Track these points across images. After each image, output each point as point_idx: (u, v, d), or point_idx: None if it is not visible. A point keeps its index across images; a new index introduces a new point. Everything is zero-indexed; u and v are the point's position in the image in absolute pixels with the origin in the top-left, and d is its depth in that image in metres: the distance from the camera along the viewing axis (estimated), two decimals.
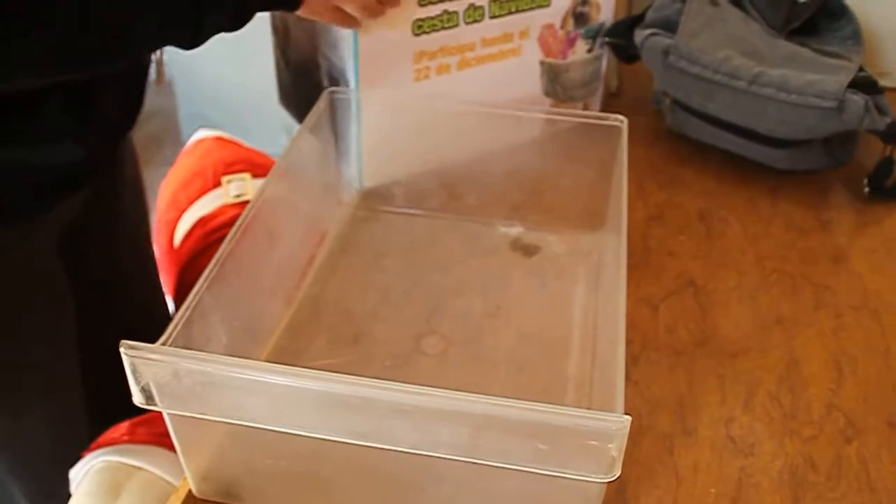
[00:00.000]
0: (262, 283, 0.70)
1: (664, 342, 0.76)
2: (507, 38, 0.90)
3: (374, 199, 0.88)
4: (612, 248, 0.73)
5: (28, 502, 0.80)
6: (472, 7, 0.85)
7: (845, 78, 0.89)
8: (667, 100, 1.02)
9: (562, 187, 0.86)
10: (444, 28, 0.85)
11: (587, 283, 0.78)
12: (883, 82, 0.96)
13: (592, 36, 0.96)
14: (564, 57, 0.96)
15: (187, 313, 0.54)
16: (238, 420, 0.50)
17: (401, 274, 0.80)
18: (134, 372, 0.49)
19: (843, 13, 1.05)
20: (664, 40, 0.97)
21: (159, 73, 0.71)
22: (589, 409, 0.63)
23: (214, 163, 1.12)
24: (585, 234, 0.85)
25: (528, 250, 0.82)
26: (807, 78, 0.90)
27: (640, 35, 1.01)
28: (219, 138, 1.17)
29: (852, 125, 0.90)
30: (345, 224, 0.86)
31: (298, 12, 0.72)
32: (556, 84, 0.97)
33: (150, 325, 0.53)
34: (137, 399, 0.51)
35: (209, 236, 1.03)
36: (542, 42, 0.93)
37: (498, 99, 0.87)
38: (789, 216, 0.93)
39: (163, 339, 0.51)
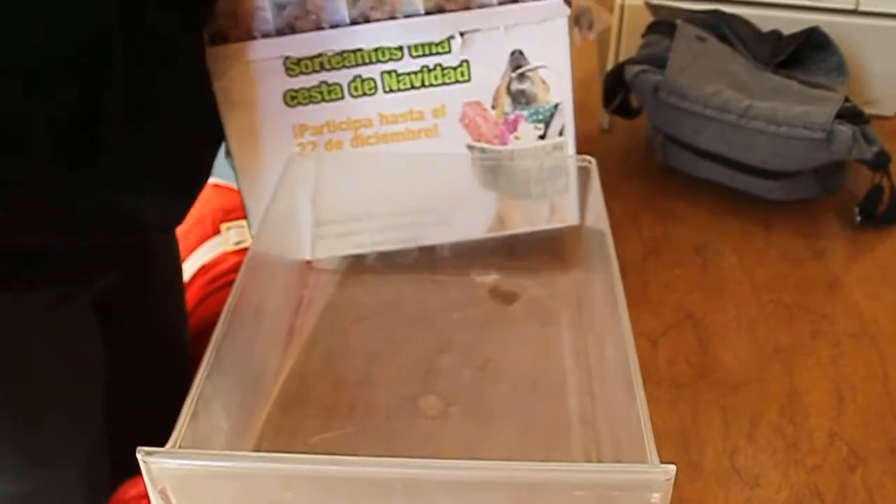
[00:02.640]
0: (253, 363, 0.69)
1: (665, 376, 0.77)
2: (414, 115, 0.79)
3: (345, 261, 0.87)
4: (593, 286, 0.73)
5: None
6: (360, 79, 0.76)
7: (832, 109, 0.91)
8: (659, 135, 1.04)
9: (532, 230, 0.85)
10: (325, 100, 0.77)
11: (572, 324, 0.78)
12: (869, 110, 0.98)
13: (543, 120, 0.81)
14: (504, 142, 0.81)
15: (192, 408, 0.53)
16: None
17: (384, 336, 0.78)
18: (150, 477, 0.49)
19: (828, 45, 1.07)
20: (654, 77, 0.99)
21: None
22: (600, 450, 0.64)
23: (213, 210, 1.13)
24: (562, 275, 0.84)
25: (508, 297, 0.82)
26: (795, 110, 0.92)
27: (629, 72, 1.03)
28: (216, 185, 1.18)
29: (841, 155, 0.91)
30: (319, 290, 0.84)
31: None
32: (500, 176, 0.82)
33: (177, 384, 0.53)
34: None
35: (211, 284, 1.04)
36: (468, 123, 0.80)
37: (416, 187, 0.80)
38: (783, 246, 0.94)
39: (172, 439, 0.50)
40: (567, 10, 0.77)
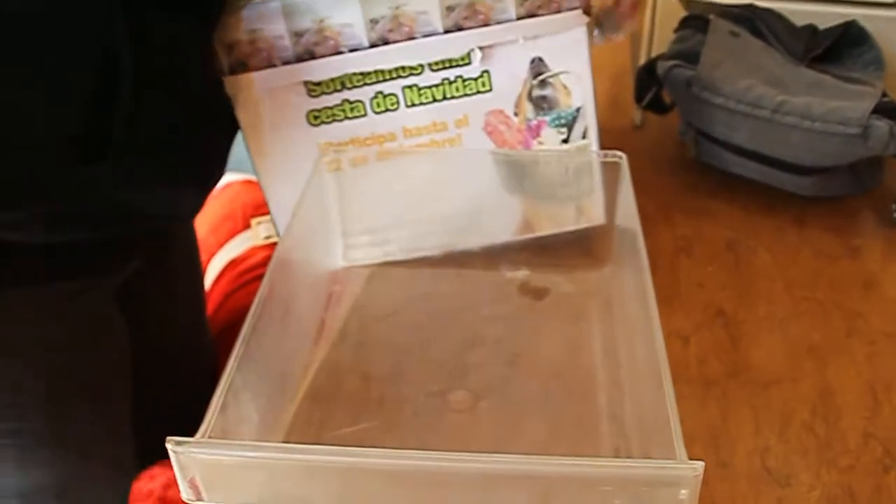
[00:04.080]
0: (282, 356, 0.69)
1: (696, 374, 0.76)
2: (438, 126, 0.79)
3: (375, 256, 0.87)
4: (623, 283, 0.72)
5: None
6: (381, 95, 0.77)
7: (869, 104, 0.89)
8: (691, 130, 1.03)
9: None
10: (348, 118, 0.78)
11: (602, 320, 0.78)
12: None
13: (566, 124, 0.81)
14: (527, 148, 0.82)
15: (221, 399, 0.53)
16: None
17: (414, 331, 0.78)
18: (179, 466, 0.49)
19: (865, 39, 1.05)
20: (686, 72, 0.98)
21: None
22: (629, 447, 0.63)
23: (243, 205, 1.13)
24: (592, 272, 0.83)
25: (538, 293, 0.81)
26: (830, 105, 0.90)
27: (662, 67, 1.02)
28: (247, 181, 1.19)
29: (877, 151, 0.90)
30: (350, 284, 0.84)
31: None
32: (525, 179, 0.82)
33: (202, 375, 0.53)
34: (185, 495, 0.50)
35: (240, 278, 1.04)
36: (491, 131, 0.80)
37: (441, 192, 0.80)
38: (818, 243, 0.93)
39: (202, 430, 0.49)
40: (585, 18, 0.77)
